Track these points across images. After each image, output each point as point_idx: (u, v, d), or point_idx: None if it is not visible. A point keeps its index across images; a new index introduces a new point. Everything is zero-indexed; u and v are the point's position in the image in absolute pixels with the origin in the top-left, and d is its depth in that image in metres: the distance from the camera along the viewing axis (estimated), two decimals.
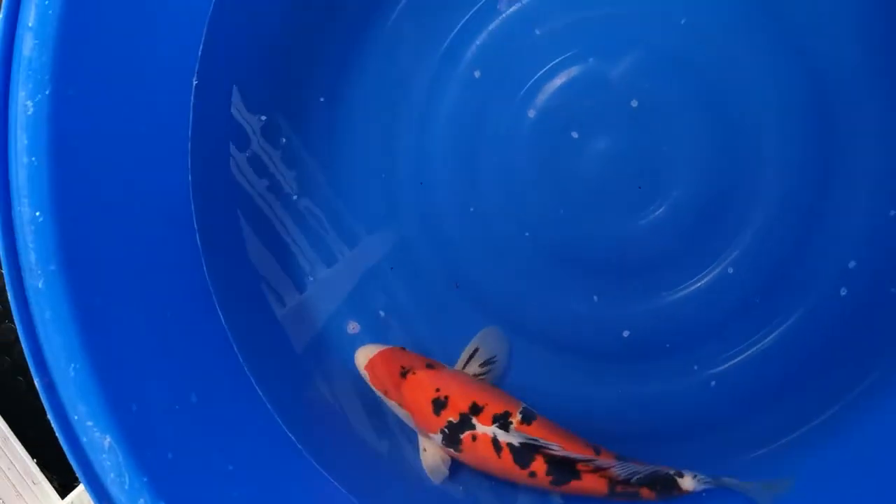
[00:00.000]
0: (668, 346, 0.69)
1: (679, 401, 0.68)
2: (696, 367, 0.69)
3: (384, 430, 0.68)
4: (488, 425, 0.61)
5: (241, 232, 0.66)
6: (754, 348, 0.68)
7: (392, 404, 0.65)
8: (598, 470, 0.60)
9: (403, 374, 0.64)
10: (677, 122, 0.70)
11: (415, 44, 0.72)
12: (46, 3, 0.48)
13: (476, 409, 0.62)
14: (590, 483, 0.60)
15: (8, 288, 0.49)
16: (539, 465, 0.60)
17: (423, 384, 0.63)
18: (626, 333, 0.69)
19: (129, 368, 0.52)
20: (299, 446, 0.63)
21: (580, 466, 0.60)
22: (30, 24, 0.48)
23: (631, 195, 0.71)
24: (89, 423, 0.49)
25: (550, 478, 0.60)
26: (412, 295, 0.71)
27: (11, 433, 0.63)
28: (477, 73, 0.72)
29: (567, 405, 0.67)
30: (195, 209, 0.61)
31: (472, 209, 0.71)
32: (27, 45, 0.48)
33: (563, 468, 0.60)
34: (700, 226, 0.70)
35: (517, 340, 0.70)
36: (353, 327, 0.70)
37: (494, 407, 0.62)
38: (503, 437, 0.61)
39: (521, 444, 0.60)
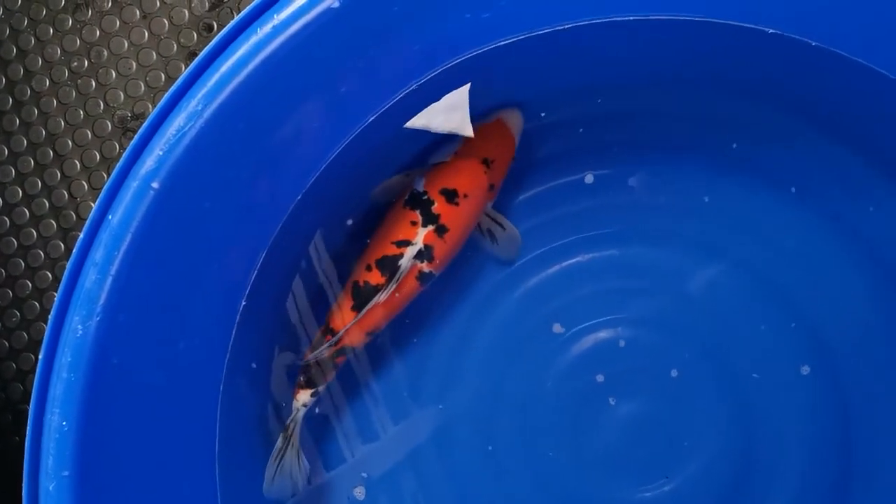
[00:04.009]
0: None
1: None
2: None
3: None
4: (419, 241, 0.66)
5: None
6: None
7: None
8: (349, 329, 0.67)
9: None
10: (700, 403, 0.73)
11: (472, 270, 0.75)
12: (113, 245, 0.54)
13: (435, 222, 0.66)
14: (337, 317, 0.67)
15: (24, 484, 0.55)
16: (374, 276, 0.66)
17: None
18: None
19: None
20: None
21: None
22: (96, 261, 0.54)
23: (640, 463, 0.73)
24: None
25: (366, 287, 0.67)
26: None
27: None
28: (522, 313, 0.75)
29: None
30: (220, 413, 0.65)
31: (489, 446, 0.74)
32: (89, 279, 0.54)
33: (365, 296, 0.66)
34: None
35: None
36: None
37: (439, 251, 0.67)
38: (410, 250, 0.66)
39: (398, 266, 0.66)
